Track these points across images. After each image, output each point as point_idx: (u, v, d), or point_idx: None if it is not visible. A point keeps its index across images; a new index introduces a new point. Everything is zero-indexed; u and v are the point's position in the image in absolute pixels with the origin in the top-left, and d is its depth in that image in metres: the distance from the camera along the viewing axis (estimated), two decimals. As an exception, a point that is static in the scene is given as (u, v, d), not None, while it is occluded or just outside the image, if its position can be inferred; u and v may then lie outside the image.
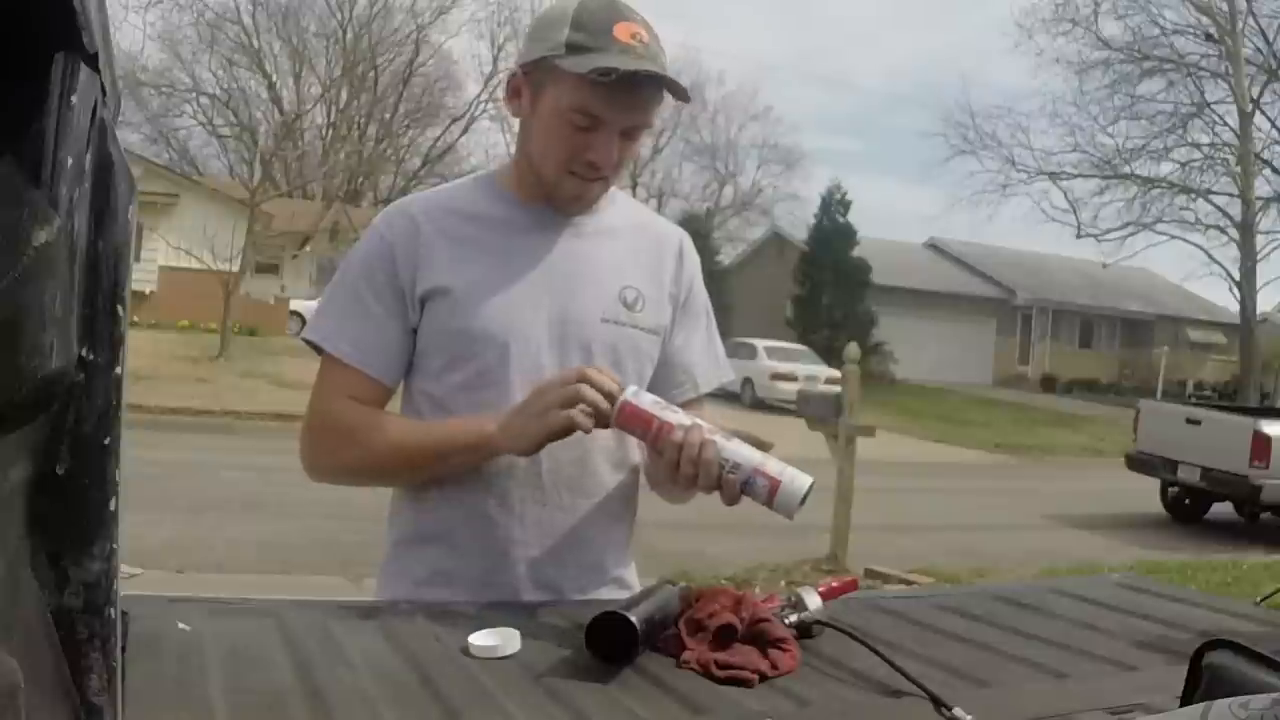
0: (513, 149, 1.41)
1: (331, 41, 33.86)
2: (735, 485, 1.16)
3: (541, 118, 1.29)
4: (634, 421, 1.19)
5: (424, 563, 1.34)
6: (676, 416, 1.18)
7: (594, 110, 1.25)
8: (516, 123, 1.38)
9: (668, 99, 1.30)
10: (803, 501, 1.15)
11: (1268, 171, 23.61)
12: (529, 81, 1.30)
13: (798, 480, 1.15)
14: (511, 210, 1.35)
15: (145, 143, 32.23)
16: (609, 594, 1.34)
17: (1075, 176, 25.48)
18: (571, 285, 1.34)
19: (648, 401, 1.19)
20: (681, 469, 1.16)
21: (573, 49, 1.23)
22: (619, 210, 1.43)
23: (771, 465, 1.15)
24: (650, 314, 1.39)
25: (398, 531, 1.39)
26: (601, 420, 1.19)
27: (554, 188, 1.32)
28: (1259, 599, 1.53)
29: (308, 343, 1.35)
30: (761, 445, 1.19)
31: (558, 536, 1.33)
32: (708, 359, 1.48)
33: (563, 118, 1.26)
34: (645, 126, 1.31)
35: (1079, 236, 25.62)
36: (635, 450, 1.40)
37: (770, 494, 1.14)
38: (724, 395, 1.59)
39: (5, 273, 0.50)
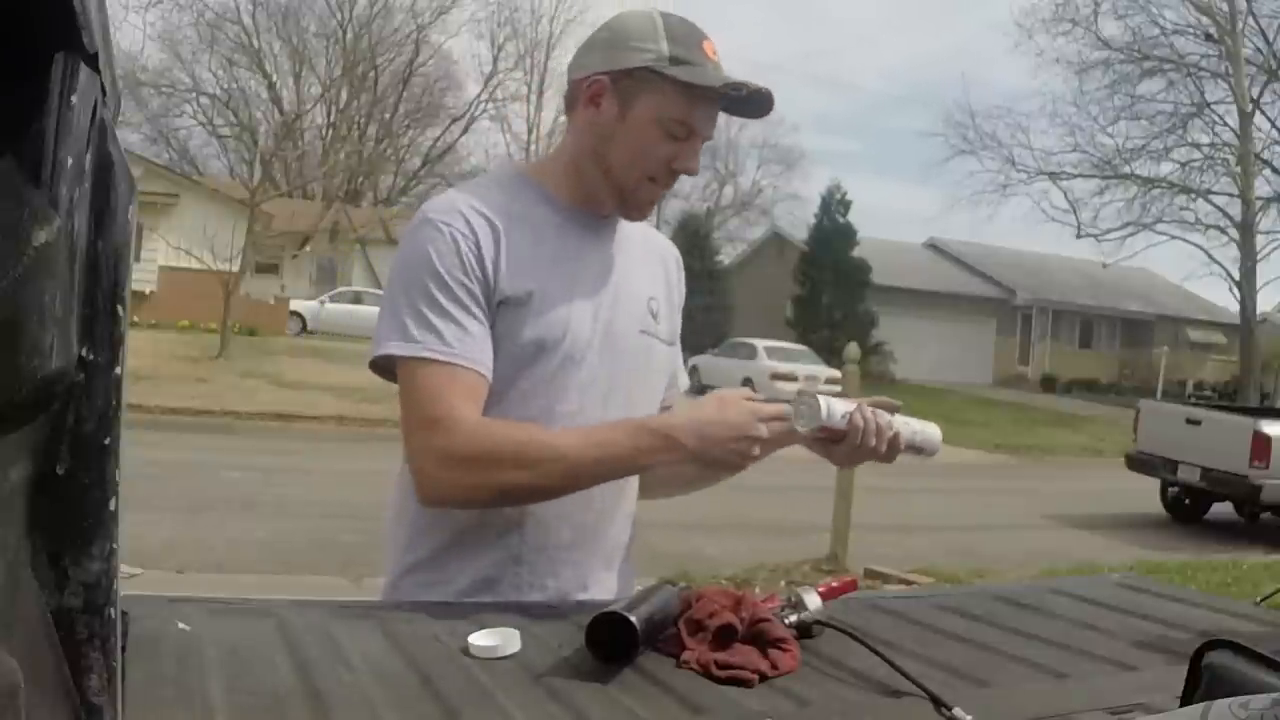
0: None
1: (331, 41, 33.96)
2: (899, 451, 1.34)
3: (635, 125, 1.29)
4: (826, 434, 1.30)
5: (466, 572, 1.31)
6: (845, 412, 1.29)
7: (693, 122, 1.29)
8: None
9: None
10: None
11: (1268, 171, 23.62)
12: (617, 89, 1.29)
13: (935, 431, 1.39)
14: (560, 214, 1.36)
15: (145, 143, 32.34)
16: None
17: (1075, 176, 25.51)
18: (614, 295, 1.37)
19: (838, 417, 1.29)
20: (865, 459, 1.32)
21: (677, 61, 1.26)
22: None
23: (915, 425, 1.37)
24: (665, 325, 1.45)
25: (431, 544, 1.34)
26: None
27: (630, 193, 1.33)
28: (1259, 599, 1.53)
29: (379, 362, 1.27)
30: (893, 406, 1.35)
31: (599, 540, 1.36)
32: (680, 368, 1.55)
33: (661, 127, 1.28)
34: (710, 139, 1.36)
35: (1079, 236, 25.66)
36: None
37: (919, 450, 1.37)
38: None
39: (5, 273, 0.50)
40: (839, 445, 1.30)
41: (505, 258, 1.28)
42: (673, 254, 1.53)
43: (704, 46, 1.29)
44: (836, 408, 1.29)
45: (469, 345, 1.25)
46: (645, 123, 1.28)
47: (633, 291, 1.39)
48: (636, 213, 1.38)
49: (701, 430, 1.23)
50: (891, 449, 1.31)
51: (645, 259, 1.45)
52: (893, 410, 1.34)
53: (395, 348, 1.25)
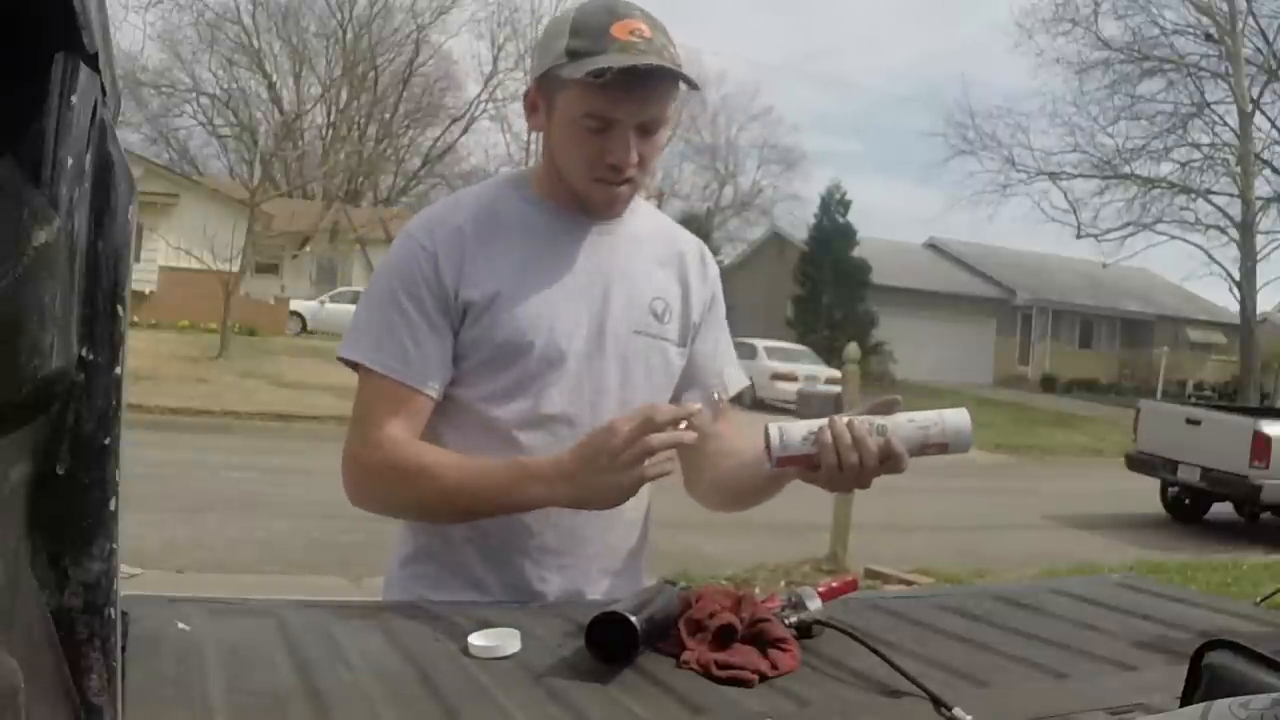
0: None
1: (331, 41, 33.97)
2: (909, 456, 1.21)
3: (558, 128, 1.29)
4: (791, 464, 1.22)
5: (454, 571, 1.33)
6: (807, 434, 1.20)
7: (601, 112, 1.24)
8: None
9: (684, 89, 1.29)
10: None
11: (1268, 171, 23.61)
12: (542, 95, 1.30)
13: (957, 421, 1.20)
14: (546, 216, 1.35)
15: (145, 143, 32.35)
16: None
17: (1075, 176, 25.51)
18: (606, 295, 1.35)
19: (797, 442, 1.20)
20: (863, 476, 1.20)
21: (573, 55, 1.23)
22: (642, 217, 1.44)
23: (924, 419, 1.20)
24: (676, 326, 1.41)
25: (419, 540, 1.37)
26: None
27: (585, 197, 1.32)
28: (1259, 599, 1.52)
29: (345, 362, 1.32)
30: (890, 403, 1.24)
31: (590, 545, 1.35)
32: (732, 364, 1.52)
33: (576, 125, 1.26)
34: (660, 120, 1.29)
35: (1079, 236, 25.65)
36: None
37: (942, 448, 1.21)
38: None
39: (5, 273, 0.50)
40: (821, 472, 1.21)
41: (469, 263, 1.29)
42: (695, 250, 1.48)
43: (612, 30, 1.22)
44: (794, 433, 1.19)
45: (412, 361, 1.28)
46: (565, 125, 1.28)
47: (631, 292, 1.37)
48: (606, 210, 1.35)
49: (567, 479, 1.21)
50: (891, 459, 1.19)
51: (658, 258, 1.42)
52: (890, 408, 1.23)
53: (348, 351, 1.31)
